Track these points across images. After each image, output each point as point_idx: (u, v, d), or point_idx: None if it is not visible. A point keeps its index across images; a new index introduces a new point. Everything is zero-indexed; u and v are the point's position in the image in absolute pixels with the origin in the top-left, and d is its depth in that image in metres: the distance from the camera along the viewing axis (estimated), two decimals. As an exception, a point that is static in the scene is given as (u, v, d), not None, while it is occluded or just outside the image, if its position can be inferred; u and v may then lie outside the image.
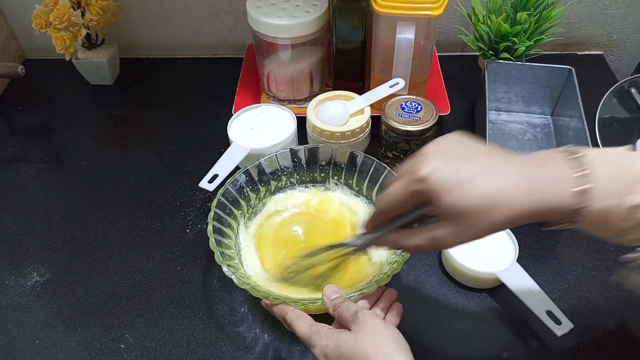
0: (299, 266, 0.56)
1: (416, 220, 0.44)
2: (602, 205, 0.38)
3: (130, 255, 0.68)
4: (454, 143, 0.41)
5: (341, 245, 0.51)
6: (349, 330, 0.46)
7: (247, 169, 0.65)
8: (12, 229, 0.72)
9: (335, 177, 0.69)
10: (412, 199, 0.41)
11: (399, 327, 0.49)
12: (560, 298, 0.56)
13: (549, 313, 0.55)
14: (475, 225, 0.39)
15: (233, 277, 0.53)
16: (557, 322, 0.55)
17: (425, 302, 0.62)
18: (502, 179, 0.38)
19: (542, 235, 0.68)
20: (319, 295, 0.53)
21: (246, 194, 0.65)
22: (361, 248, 0.49)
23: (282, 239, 0.65)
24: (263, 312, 0.60)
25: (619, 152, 0.40)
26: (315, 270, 0.55)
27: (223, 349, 0.58)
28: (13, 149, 0.84)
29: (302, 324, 0.49)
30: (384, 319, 0.51)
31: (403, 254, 0.54)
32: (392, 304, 0.53)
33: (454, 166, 0.39)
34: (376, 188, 0.65)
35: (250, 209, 0.66)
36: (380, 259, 0.60)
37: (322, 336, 0.47)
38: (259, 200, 0.67)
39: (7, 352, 0.59)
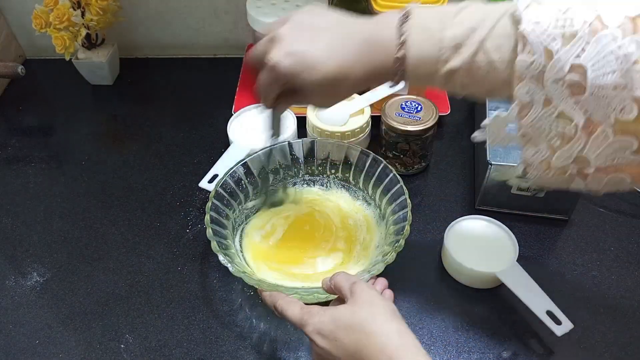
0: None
1: None
2: (421, 71, 0.42)
3: (130, 255, 0.68)
4: (303, 21, 0.46)
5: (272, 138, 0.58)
6: (345, 304, 0.46)
7: (246, 162, 0.65)
8: (12, 229, 0.72)
9: (333, 171, 0.69)
10: (275, 83, 0.46)
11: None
12: (560, 298, 0.56)
13: (549, 313, 0.55)
14: (325, 95, 0.47)
15: (229, 265, 0.54)
16: (557, 322, 0.55)
17: (425, 302, 0.62)
18: (342, 58, 0.44)
19: (542, 235, 0.68)
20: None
21: (244, 185, 0.66)
22: (275, 132, 0.57)
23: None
24: (264, 311, 0.60)
25: (446, 15, 0.41)
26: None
27: (223, 349, 0.58)
28: (13, 149, 0.84)
29: (293, 308, 0.49)
30: None
31: (396, 245, 0.55)
32: (384, 290, 0.54)
33: (301, 49, 0.44)
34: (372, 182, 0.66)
35: (249, 200, 0.67)
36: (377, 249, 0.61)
37: (314, 314, 0.46)
38: (257, 193, 0.68)
39: (7, 352, 0.59)
